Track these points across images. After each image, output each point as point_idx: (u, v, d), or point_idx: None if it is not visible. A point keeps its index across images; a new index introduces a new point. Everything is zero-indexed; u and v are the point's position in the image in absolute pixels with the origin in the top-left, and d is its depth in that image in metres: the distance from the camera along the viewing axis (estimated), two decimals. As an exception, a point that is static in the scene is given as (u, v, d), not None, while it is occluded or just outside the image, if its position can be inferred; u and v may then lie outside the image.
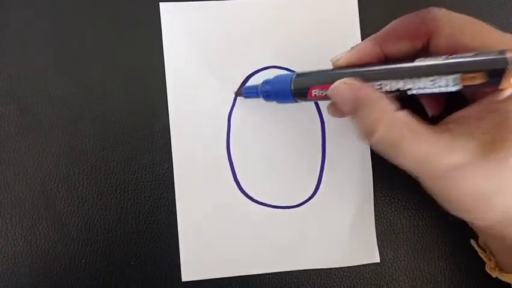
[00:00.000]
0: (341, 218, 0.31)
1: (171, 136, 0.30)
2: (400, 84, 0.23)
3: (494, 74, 0.20)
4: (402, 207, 0.31)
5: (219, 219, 0.30)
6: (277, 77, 0.28)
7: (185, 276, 0.30)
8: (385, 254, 0.31)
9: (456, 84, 0.21)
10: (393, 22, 0.25)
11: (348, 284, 0.30)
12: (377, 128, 0.23)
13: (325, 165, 0.31)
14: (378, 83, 0.23)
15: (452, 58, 0.22)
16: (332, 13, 0.31)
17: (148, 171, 0.30)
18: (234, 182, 0.30)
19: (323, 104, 0.31)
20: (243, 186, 0.30)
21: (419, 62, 0.23)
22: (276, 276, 0.30)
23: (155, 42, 0.31)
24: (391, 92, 0.23)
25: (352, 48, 0.26)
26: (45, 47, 0.30)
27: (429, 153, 0.22)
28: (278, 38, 0.31)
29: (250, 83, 0.31)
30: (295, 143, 0.31)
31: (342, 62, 0.25)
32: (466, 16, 0.24)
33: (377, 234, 0.31)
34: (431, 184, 0.23)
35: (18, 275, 0.29)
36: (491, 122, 0.22)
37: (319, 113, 0.31)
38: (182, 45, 0.31)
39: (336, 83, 0.24)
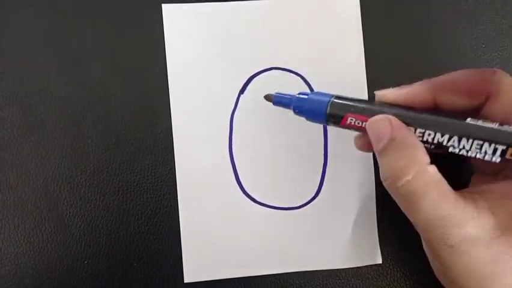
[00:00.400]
0: (343, 219, 0.31)
1: (173, 137, 0.30)
2: (444, 138, 0.22)
3: None
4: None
5: (221, 221, 0.30)
6: (314, 95, 0.26)
7: (188, 278, 0.30)
8: (387, 255, 0.31)
9: (501, 156, 0.21)
10: (455, 73, 0.24)
11: (350, 285, 0.30)
12: (406, 175, 0.22)
13: (327, 167, 0.31)
14: (422, 130, 0.22)
15: (506, 130, 0.21)
16: (334, 15, 0.31)
17: (150, 172, 0.30)
18: (237, 184, 0.30)
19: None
20: (245, 188, 0.30)
21: (472, 122, 0.22)
22: (278, 278, 0.30)
23: (157, 43, 0.31)
24: (430, 143, 0.22)
25: (403, 86, 0.25)
26: (47, 47, 0.30)
27: (449, 216, 0.21)
28: (280, 40, 0.31)
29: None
30: (298, 144, 0.31)
31: (389, 98, 0.24)
32: None
33: (378, 235, 0.31)
34: (438, 249, 0.22)
35: (21, 276, 0.29)
36: None
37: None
38: (184, 46, 0.31)
39: (379, 116, 0.23)
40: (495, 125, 0.21)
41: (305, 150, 0.31)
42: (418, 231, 0.23)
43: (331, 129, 0.31)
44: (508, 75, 0.23)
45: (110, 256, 0.30)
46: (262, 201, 0.30)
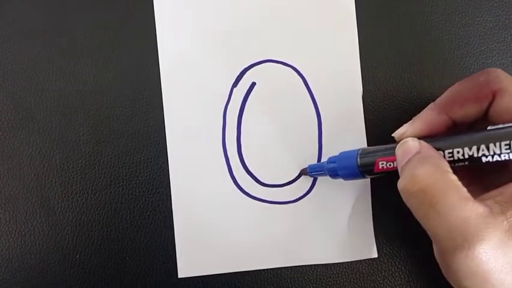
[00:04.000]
0: (339, 213, 0.30)
1: (166, 131, 0.30)
2: (473, 151, 0.22)
3: None
4: (400, 202, 0.31)
5: (215, 215, 0.30)
6: (342, 154, 0.27)
7: (182, 273, 0.30)
8: (382, 250, 0.30)
9: None
10: (454, 87, 0.25)
11: (345, 279, 0.30)
12: (428, 178, 0.22)
13: (321, 160, 0.30)
14: (450, 150, 0.23)
15: None
16: (328, 7, 0.31)
17: (142, 166, 0.30)
18: (230, 178, 0.30)
19: (320, 99, 0.30)
20: (239, 182, 0.30)
21: (492, 127, 0.22)
22: (273, 272, 0.30)
23: (149, 36, 0.30)
24: (463, 160, 0.23)
25: (415, 118, 0.25)
26: (37, 40, 0.30)
27: (470, 218, 0.21)
28: (274, 32, 0.31)
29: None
30: (291, 138, 0.30)
31: (408, 135, 0.25)
32: None
33: (374, 229, 0.30)
34: (452, 255, 0.22)
35: (13, 270, 0.29)
36: None
37: (315, 108, 0.31)
38: (176, 39, 0.30)
39: (409, 138, 0.24)
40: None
41: (299, 144, 0.31)
42: (434, 238, 0.23)
43: (325, 123, 0.31)
44: (503, 72, 0.24)
45: (102, 250, 0.30)
46: (256, 196, 0.30)
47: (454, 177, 0.22)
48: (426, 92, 0.31)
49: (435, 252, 0.24)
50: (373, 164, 0.26)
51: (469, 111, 0.24)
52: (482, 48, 0.31)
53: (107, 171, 0.30)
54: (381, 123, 0.31)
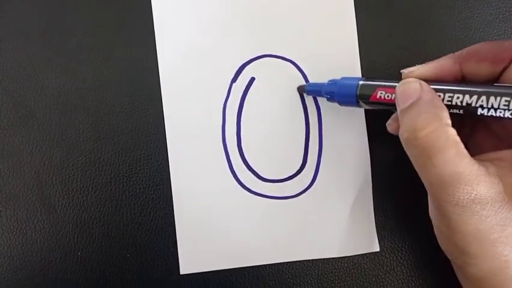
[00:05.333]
0: (340, 208, 0.30)
1: (166, 127, 0.30)
2: (473, 99, 0.23)
3: None
4: (401, 196, 0.31)
5: (216, 211, 0.30)
6: (344, 79, 0.27)
7: (184, 269, 0.30)
8: (383, 244, 0.30)
9: None
10: (477, 44, 0.25)
11: (347, 273, 0.30)
12: (428, 127, 0.22)
13: (322, 155, 0.30)
14: (451, 94, 0.23)
15: None
16: (327, 1, 0.31)
17: (143, 162, 0.30)
18: (231, 173, 0.30)
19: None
20: (239, 177, 0.30)
21: (498, 84, 0.23)
22: (274, 268, 0.30)
23: (148, 33, 0.30)
24: (460, 107, 0.23)
25: (428, 62, 0.25)
26: (37, 38, 0.30)
27: (463, 174, 0.22)
28: (272, 27, 0.31)
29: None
30: (292, 132, 0.30)
31: (416, 74, 0.25)
32: None
33: (376, 223, 0.30)
34: (448, 210, 0.22)
35: (14, 268, 0.29)
36: None
37: (315, 102, 0.30)
38: (175, 35, 0.30)
39: (410, 79, 0.24)
40: None
41: (299, 138, 0.30)
42: (428, 190, 0.24)
43: (325, 117, 0.30)
44: None
45: (103, 247, 0.30)
46: (256, 191, 0.30)
47: (453, 132, 0.23)
48: (427, 86, 0.31)
49: (429, 208, 0.25)
50: (371, 93, 0.26)
51: (483, 69, 0.25)
52: (482, 41, 0.31)
53: (108, 169, 0.30)
54: (381, 115, 0.31)
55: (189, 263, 0.30)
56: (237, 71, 0.30)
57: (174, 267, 0.30)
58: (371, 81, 0.26)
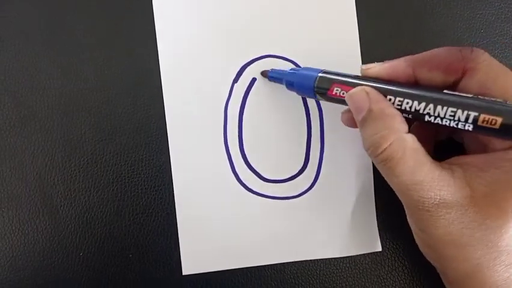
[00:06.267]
0: (342, 207, 0.30)
1: (167, 128, 0.30)
2: (421, 106, 0.23)
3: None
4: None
5: (218, 211, 0.30)
6: (303, 70, 0.27)
7: (186, 270, 0.30)
8: (385, 244, 0.30)
9: (473, 123, 0.22)
10: (433, 50, 0.25)
11: (349, 274, 0.30)
12: (385, 142, 0.23)
13: (324, 155, 0.30)
14: (401, 99, 0.24)
15: (480, 99, 0.22)
16: (329, 1, 0.31)
17: (145, 163, 0.30)
18: (232, 174, 0.30)
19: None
20: (241, 178, 0.30)
21: (448, 92, 0.23)
22: (276, 268, 0.30)
23: (149, 33, 0.30)
24: (408, 112, 0.23)
25: (387, 61, 0.26)
26: (38, 38, 0.30)
27: (424, 182, 0.22)
28: (274, 27, 0.31)
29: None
30: (293, 133, 0.30)
31: (372, 72, 0.25)
32: (505, 68, 0.23)
33: (377, 222, 0.30)
34: (418, 214, 0.23)
35: (16, 268, 0.29)
36: (494, 177, 0.22)
37: (317, 103, 0.30)
38: (176, 36, 0.30)
39: (357, 88, 0.25)
40: (469, 95, 0.22)
41: (301, 139, 0.30)
42: (399, 196, 0.24)
43: (327, 117, 0.30)
44: (485, 53, 0.24)
45: (105, 247, 0.30)
46: (259, 191, 0.30)
47: (410, 139, 0.23)
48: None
49: (406, 214, 0.26)
50: (328, 88, 0.26)
51: (435, 77, 0.24)
52: (485, 42, 0.31)
53: (110, 169, 0.30)
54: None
55: (192, 263, 0.30)
56: (239, 72, 0.30)
57: (176, 267, 0.30)
58: (329, 74, 0.26)
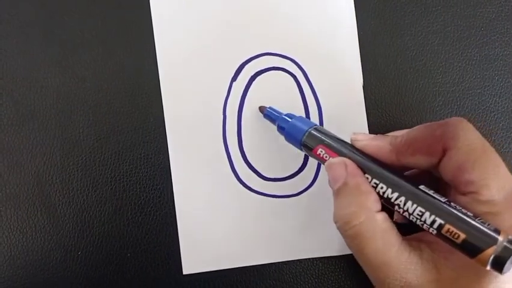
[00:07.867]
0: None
1: (166, 127, 0.30)
2: (394, 195, 0.23)
3: (474, 249, 0.20)
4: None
5: (217, 210, 0.30)
6: (297, 120, 0.27)
7: (187, 269, 0.30)
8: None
9: (437, 229, 0.21)
10: (412, 131, 0.24)
11: (347, 272, 0.30)
12: (355, 220, 0.23)
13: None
14: (377, 181, 0.24)
15: (451, 206, 0.22)
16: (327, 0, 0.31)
17: (143, 162, 0.30)
18: (232, 172, 0.30)
19: (320, 91, 0.30)
20: (240, 176, 0.30)
21: (423, 189, 0.23)
22: (276, 266, 0.30)
23: (147, 32, 0.30)
24: (381, 196, 0.24)
25: (375, 137, 0.25)
26: (37, 37, 0.30)
27: (391, 264, 0.22)
28: (272, 25, 0.31)
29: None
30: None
31: (359, 145, 0.25)
32: (486, 145, 0.23)
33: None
34: None
35: (15, 267, 0.29)
36: (462, 261, 0.22)
37: (316, 100, 0.30)
38: (174, 34, 0.30)
39: (337, 159, 0.25)
40: (443, 199, 0.22)
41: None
42: (365, 271, 0.24)
43: (326, 116, 0.30)
44: (465, 126, 0.23)
45: (103, 247, 0.29)
46: (258, 190, 0.30)
47: (382, 218, 0.23)
48: (429, 83, 0.31)
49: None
50: (313, 146, 0.26)
51: (418, 161, 0.24)
52: (485, 40, 0.31)
53: (108, 168, 0.30)
54: (382, 114, 0.30)
55: (192, 262, 0.30)
56: (237, 70, 0.30)
57: (176, 267, 0.30)
58: (319, 133, 0.26)
